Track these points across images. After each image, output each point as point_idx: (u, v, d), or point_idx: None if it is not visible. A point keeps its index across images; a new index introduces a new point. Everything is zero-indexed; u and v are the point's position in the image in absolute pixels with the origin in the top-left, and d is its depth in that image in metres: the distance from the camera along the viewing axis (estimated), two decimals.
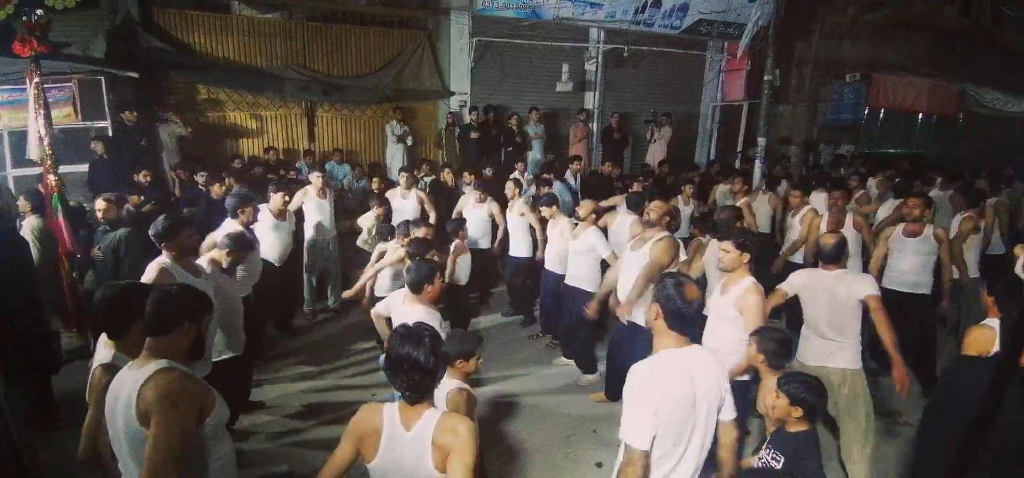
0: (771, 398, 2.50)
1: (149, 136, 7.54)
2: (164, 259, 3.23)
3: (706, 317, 3.44)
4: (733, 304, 3.22)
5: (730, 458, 2.21)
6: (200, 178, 6.55)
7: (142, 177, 6.31)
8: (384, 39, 9.52)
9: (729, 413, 2.14)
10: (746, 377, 3.13)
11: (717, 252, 3.56)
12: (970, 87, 10.55)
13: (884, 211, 5.99)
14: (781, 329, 3.17)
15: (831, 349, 3.40)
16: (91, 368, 2.31)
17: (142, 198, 5.87)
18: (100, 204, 4.81)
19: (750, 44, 10.53)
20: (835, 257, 3.44)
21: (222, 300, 3.36)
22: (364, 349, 5.41)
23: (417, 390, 1.82)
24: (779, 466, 2.42)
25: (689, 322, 2.05)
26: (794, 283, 3.57)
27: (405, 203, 6.22)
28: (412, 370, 1.79)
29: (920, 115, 10.35)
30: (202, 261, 3.58)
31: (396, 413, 1.84)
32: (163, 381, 1.84)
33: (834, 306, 3.35)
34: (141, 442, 1.85)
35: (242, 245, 3.82)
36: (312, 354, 5.34)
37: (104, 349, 2.31)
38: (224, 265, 3.67)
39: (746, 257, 3.27)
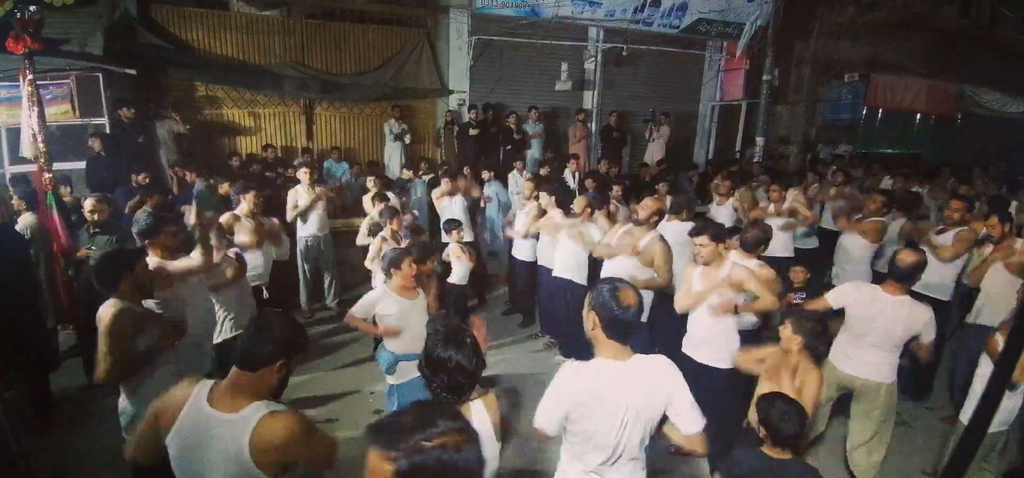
0: (753, 412, 2.47)
1: (146, 133, 7.52)
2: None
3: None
4: (727, 287, 3.32)
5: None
6: (190, 176, 6.54)
7: (141, 178, 6.26)
8: (383, 37, 9.50)
9: (690, 426, 1.99)
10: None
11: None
12: (969, 87, 10.57)
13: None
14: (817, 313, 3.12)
15: (876, 362, 3.32)
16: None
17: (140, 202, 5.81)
18: (89, 204, 4.50)
19: (749, 44, 10.57)
20: (908, 277, 3.19)
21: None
22: (361, 348, 5.39)
23: (458, 392, 1.82)
24: None
25: (628, 330, 1.97)
26: (845, 298, 3.38)
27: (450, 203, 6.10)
28: (456, 371, 1.79)
29: (918, 115, 10.37)
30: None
31: None
32: (280, 425, 1.67)
33: (893, 330, 3.23)
34: None
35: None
36: (309, 353, 5.31)
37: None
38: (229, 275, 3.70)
39: (721, 247, 3.45)
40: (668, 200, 6.68)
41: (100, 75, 7.34)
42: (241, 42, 8.67)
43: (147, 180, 6.27)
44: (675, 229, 4.67)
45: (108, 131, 7.31)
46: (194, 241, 3.36)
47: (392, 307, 3.31)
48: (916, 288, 4.44)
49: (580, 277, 4.89)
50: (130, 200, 5.98)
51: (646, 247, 4.16)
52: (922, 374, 4.78)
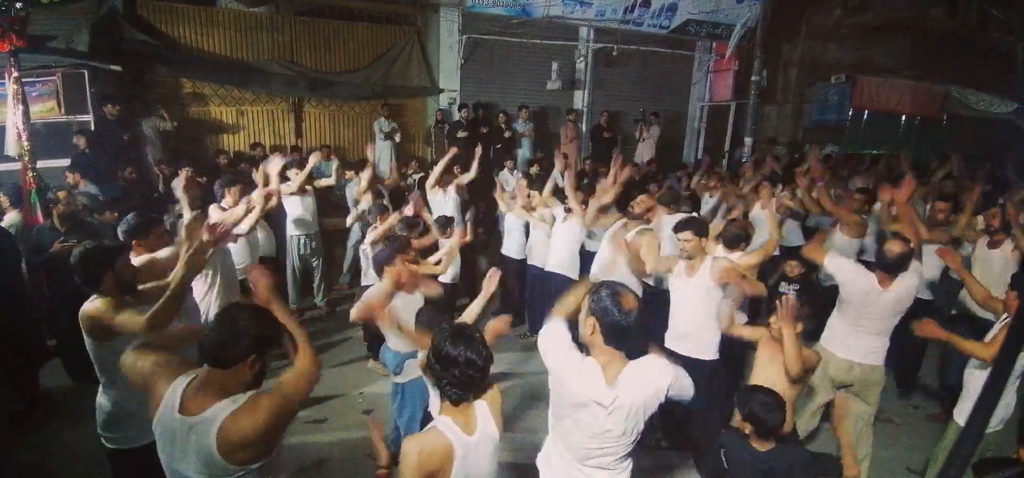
0: (735, 411, 2.52)
1: (132, 130, 7.43)
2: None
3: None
4: (710, 280, 3.37)
5: None
6: (183, 174, 6.45)
7: (127, 174, 6.19)
8: (373, 35, 9.45)
9: (689, 393, 2.06)
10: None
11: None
12: (955, 89, 10.71)
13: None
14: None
15: (873, 347, 3.43)
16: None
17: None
18: (60, 194, 4.60)
19: (738, 45, 10.65)
20: (897, 267, 3.25)
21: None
22: (350, 348, 5.38)
23: (469, 387, 1.84)
24: None
25: (628, 336, 1.92)
26: (843, 268, 3.44)
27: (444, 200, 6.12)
28: (467, 367, 1.80)
29: (903, 116, 10.50)
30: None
31: (455, 426, 1.83)
32: (242, 424, 1.66)
33: (890, 312, 3.34)
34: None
35: None
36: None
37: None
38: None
39: (704, 241, 3.53)
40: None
41: (85, 72, 7.23)
42: (229, 38, 8.58)
43: (133, 176, 6.21)
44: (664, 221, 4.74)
45: (93, 128, 7.21)
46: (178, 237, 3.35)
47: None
48: None
49: (573, 272, 4.93)
50: (115, 196, 5.94)
51: (633, 239, 4.20)
52: (906, 371, 4.87)
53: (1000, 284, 3.95)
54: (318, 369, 1.94)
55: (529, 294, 5.78)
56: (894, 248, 3.25)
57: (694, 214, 4.76)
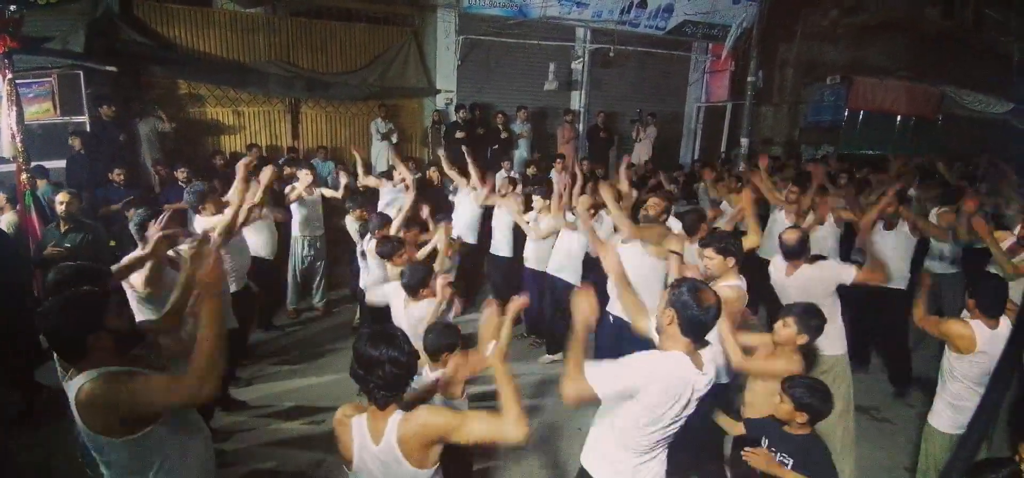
0: (776, 398, 2.53)
1: (128, 131, 7.40)
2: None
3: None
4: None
5: None
6: (181, 174, 6.45)
7: (115, 176, 6.15)
8: (369, 36, 9.44)
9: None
10: (725, 380, 3.13)
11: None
12: (951, 89, 10.76)
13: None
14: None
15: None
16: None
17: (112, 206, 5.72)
18: (62, 196, 4.46)
19: (734, 46, 10.68)
20: (798, 253, 3.54)
21: None
22: (347, 356, 5.36)
23: (395, 386, 1.82)
24: (788, 466, 2.45)
25: (705, 330, 2.02)
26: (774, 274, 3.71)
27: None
28: (390, 365, 1.78)
29: (899, 117, 10.54)
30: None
31: (364, 425, 1.85)
32: (87, 392, 1.74)
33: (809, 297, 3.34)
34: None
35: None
36: (296, 353, 5.29)
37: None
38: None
39: (730, 261, 3.14)
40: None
41: (81, 73, 7.22)
42: (225, 39, 8.56)
43: (121, 177, 6.19)
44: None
45: (88, 129, 7.19)
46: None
47: (415, 315, 3.32)
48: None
49: (574, 277, 4.87)
50: (112, 197, 5.92)
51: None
52: (898, 370, 4.88)
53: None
54: (196, 390, 1.79)
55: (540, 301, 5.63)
56: (790, 237, 3.55)
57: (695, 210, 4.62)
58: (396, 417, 1.82)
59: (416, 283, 3.31)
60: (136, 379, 1.79)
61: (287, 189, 5.74)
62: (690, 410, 2.09)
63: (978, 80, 11.25)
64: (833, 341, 3.47)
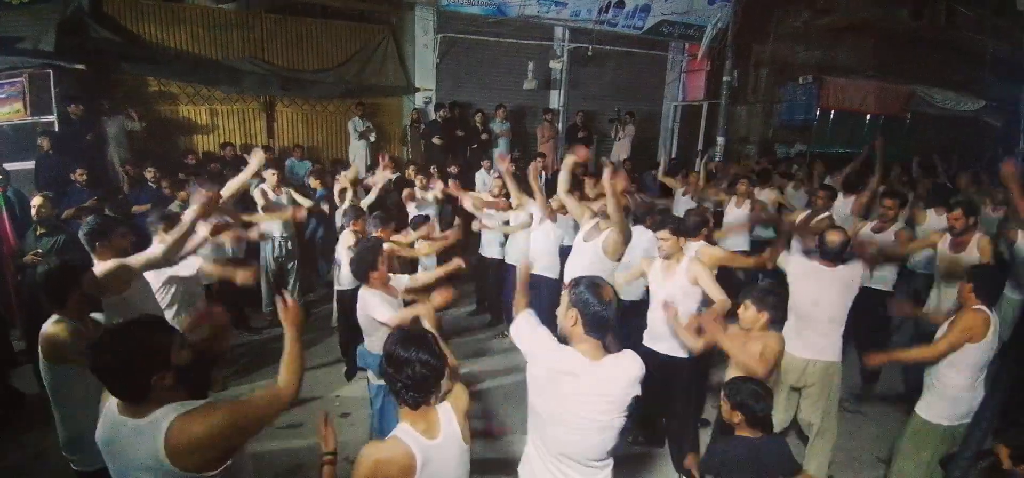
0: (723, 402, 2.54)
1: (95, 130, 7.20)
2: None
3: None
4: (687, 280, 3.37)
5: None
6: (149, 174, 6.29)
7: (78, 176, 5.96)
8: (347, 33, 9.33)
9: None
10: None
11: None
12: (921, 87, 11.05)
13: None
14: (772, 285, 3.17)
15: (824, 345, 3.49)
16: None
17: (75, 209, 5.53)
18: (37, 200, 4.43)
19: (710, 46, 10.83)
20: (838, 255, 3.43)
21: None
22: (324, 351, 5.31)
23: (423, 388, 1.80)
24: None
25: (607, 326, 2.01)
26: (793, 266, 3.62)
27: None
28: (421, 367, 1.77)
29: (868, 115, 10.80)
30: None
31: (415, 432, 1.79)
32: (192, 428, 1.59)
33: (840, 300, 3.44)
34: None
35: None
36: (272, 354, 5.19)
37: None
38: None
39: (682, 240, 3.47)
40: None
41: (51, 72, 7.02)
42: (197, 36, 8.37)
43: (84, 178, 6.01)
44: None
45: (57, 129, 6.98)
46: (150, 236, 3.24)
47: (386, 308, 3.19)
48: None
49: (553, 272, 4.89)
50: (79, 200, 5.74)
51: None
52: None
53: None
54: (290, 397, 1.88)
55: (510, 295, 5.69)
56: (833, 238, 3.45)
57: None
58: (444, 408, 1.89)
59: (362, 266, 3.19)
60: (234, 407, 1.68)
61: (252, 188, 5.58)
62: (583, 410, 1.98)
63: (949, 78, 11.57)
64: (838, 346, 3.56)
